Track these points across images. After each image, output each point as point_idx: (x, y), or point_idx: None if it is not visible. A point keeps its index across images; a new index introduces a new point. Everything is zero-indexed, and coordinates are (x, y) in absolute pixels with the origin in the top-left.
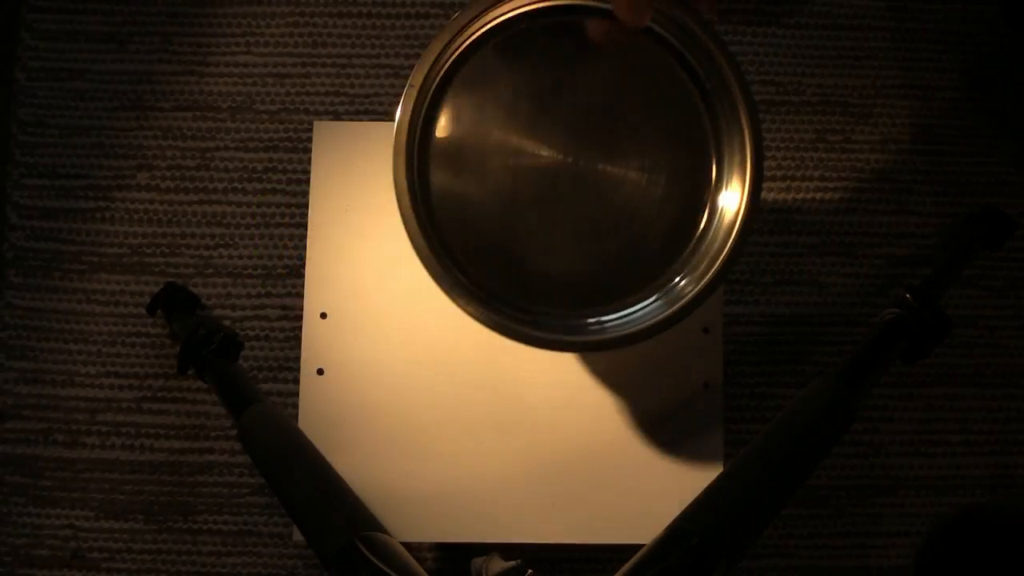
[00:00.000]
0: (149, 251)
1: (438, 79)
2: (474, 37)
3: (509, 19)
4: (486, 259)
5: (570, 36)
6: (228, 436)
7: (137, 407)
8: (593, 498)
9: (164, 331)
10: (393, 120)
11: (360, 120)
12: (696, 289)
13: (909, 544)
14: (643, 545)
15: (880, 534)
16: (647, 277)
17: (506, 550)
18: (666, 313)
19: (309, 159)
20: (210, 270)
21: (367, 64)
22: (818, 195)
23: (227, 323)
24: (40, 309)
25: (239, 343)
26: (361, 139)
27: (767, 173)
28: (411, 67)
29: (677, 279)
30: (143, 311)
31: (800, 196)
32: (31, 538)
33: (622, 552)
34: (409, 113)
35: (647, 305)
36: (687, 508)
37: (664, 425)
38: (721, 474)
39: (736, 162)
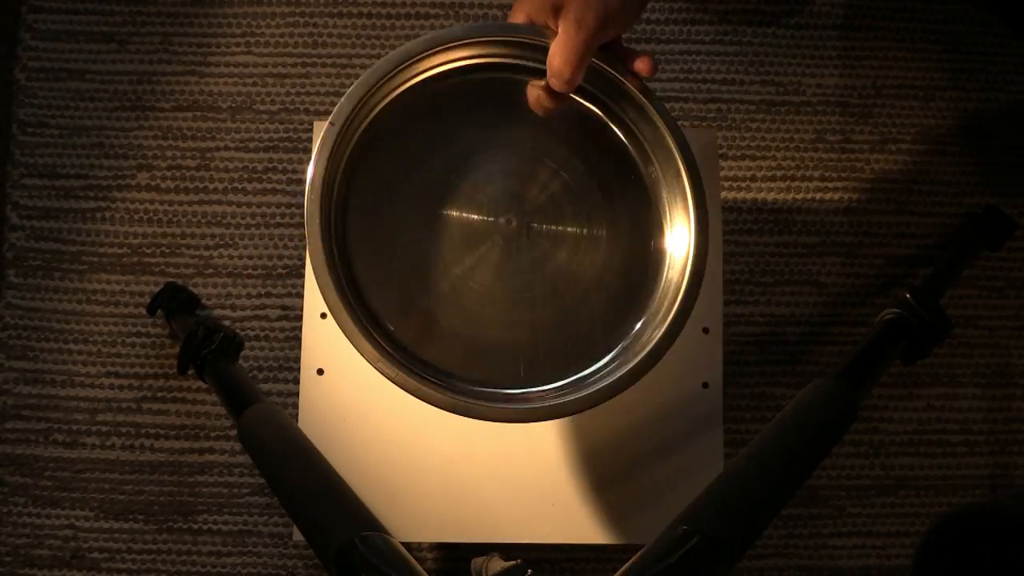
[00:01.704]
0: (149, 251)
1: (362, 128)
2: (401, 89)
3: (439, 73)
4: (420, 327)
5: (499, 93)
6: (228, 436)
7: (137, 407)
8: (593, 498)
9: (164, 331)
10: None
11: None
12: (657, 338)
13: (909, 544)
14: (643, 545)
15: (880, 534)
16: (565, 359)
17: (506, 550)
18: (577, 395)
19: (309, 159)
20: (210, 270)
21: (367, 64)
22: (818, 195)
23: (227, 323)
24: (40, 309)
25: (239, 343)
26: None
27: (767, 173)
28: None
29: (637, 327)
30: (143, 311)
31: (800, 196)
32: (31, 538)
33: (622, 552)
34: (324, 167)
35: (599, 368)
36: (687, 508)
37: (664, 425)
38: (721, 474)
39: (678, 202)
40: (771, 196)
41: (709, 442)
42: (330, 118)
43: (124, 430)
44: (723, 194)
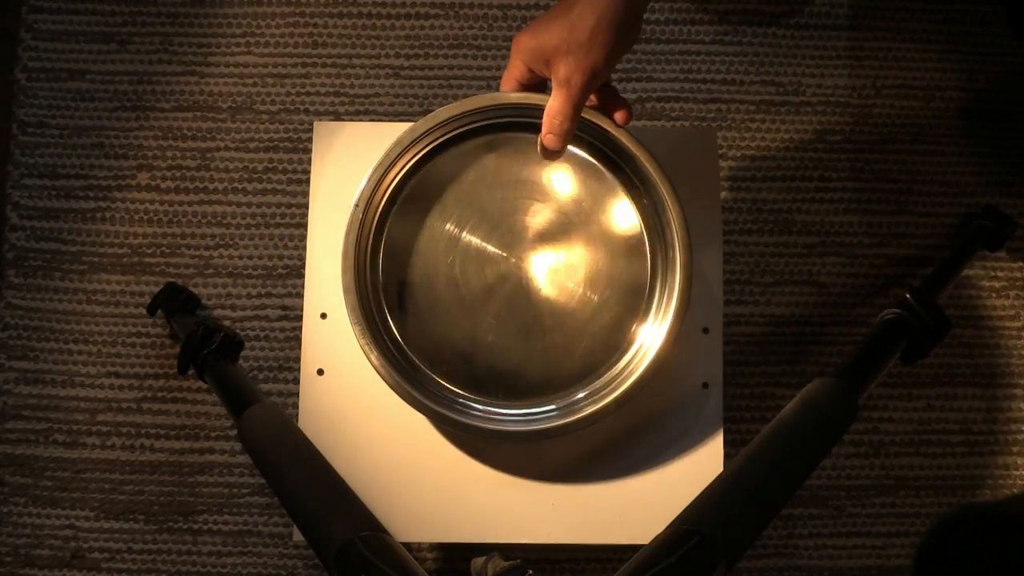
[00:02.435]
0: (149, 251)
1: (384, 199)
2: (440, 140)
3: (474, 128)
4: (420, 333)
5: (514, 148)
6: (228, 436)
7: (137, 407)
8: (593, 498)
9: (164, 331)
10: (390, 120)
11: (360, 120)
12: (593, 408)
13: (909, 544)
14: (643, 545)
15: (880, 534)
16: (556, 386)
17: (506, 550)
18: (560, 422)
19: (309, 159)
20: (210, 270)
21: (367, 64)
22: (818, 195)
23: (227, 323)
24: (40, 309)
25: (239, 343)
26: (361, 139)
27: (767, 173)
28: (411, 67)
29: (581, 394)
30: (143, 311)
31: (800, 196)
32: (31, 538)
33: (622, 552)
34: (368, 196)
35: (544, 410)
36: (687, 508)
37: (664, 425)
38: (721, 474)
39: (665, 299)
40: (771, 196)
41: (709, 442)
42: (355, 199)
43: (124, 430)
44: (723, 194)
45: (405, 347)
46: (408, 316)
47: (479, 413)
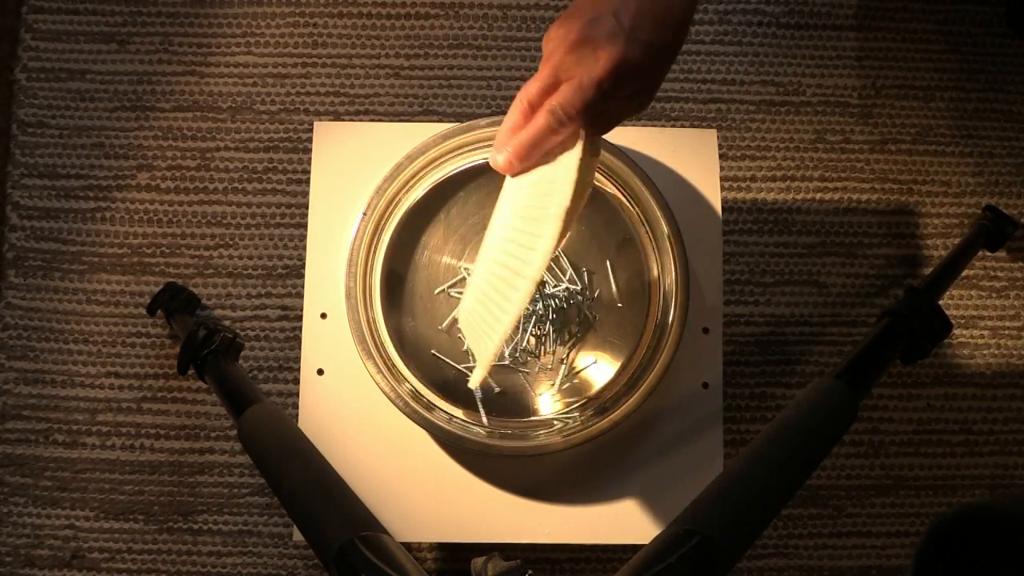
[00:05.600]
0: (149, 251)
1: (389, 211)
2: (449, 157)
3: (483, 148)
4: (424, 357)
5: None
6: (228, 436)
7: (137, 407)
8: (593, 498)
9: (164, 331)
10: (386, 120)
11: (360, 120)
12: (588, 429)
13: (909, 544)
14: (643, 545)
15: (880, 534)
16: (548, 404)
17: (506, 550)
18: (551, 440)
19: (309, 159)
20: (210, 270)
21: (367, 64)
22: (818, 195)
23: (227, 323)
24: (40, 309)
25: (239, 343)
26: (361, 139)
27: (767, 173)
28: (411, 67)
29: (576, 413)
30: (143, 311)
31: (800, 196)
32: (31, 538)
33: (622, 552)
34: (376, 206)
35: (535, 429)
36: (687, 508)
37: (664, 425)
38: (721, 474)
39: (663, 257)
40: (771, 196)
41: (709, 442)
42: (363, 209)
43: (124, 430)
44: (723, 194)
45: (402, 359)
46: (406, 325)
47: (473, 427)
